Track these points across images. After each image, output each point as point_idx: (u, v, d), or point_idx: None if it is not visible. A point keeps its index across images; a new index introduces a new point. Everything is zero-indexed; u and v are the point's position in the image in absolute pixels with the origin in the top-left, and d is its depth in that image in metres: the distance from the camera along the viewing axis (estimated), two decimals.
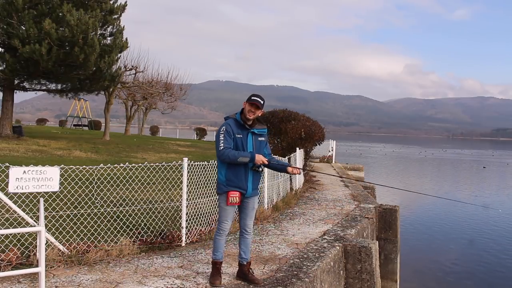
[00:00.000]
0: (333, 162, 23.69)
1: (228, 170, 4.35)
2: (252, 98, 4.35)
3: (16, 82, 21.91)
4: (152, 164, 6.15)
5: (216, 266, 4.50)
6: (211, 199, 6.85)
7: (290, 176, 11.22)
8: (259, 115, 4.42)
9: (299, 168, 4.88)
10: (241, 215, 4.55)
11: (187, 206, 6.07)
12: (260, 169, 4.45)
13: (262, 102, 4.34)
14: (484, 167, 46.07)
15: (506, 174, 40.85)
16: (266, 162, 4.37)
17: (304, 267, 5.09)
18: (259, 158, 4.29)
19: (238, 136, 4.34)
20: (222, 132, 4.32)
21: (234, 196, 4.33)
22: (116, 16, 22.67)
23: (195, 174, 6.49)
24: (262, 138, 4.51)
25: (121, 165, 5.72)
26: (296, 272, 4.87)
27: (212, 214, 6.89)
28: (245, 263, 4.54)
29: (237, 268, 4.66)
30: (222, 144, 4.27)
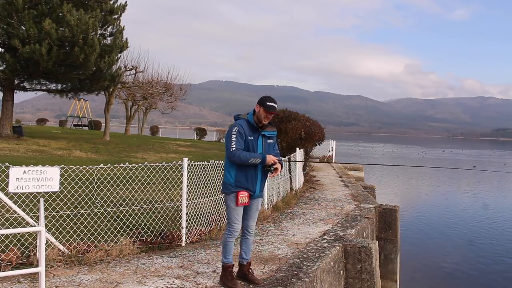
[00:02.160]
0: (333, 162, 23.69)
1: (238, 171, 4.30)
2: (268, 104, 4.24)
3: (16, 82, 21.92)
4: (152, 164, 6.15)
5: (229, 270, 4.42)
6: (211, 199, 6.85)
7: (290, 176, 11.22)
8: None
9: (277, 160, 4.45)
10: (244, 216, 4.50)
11: (187, 206, 6.07)
12: (272, 168, 4.40)
13: (276, 106, 4.31)
14: (474, 167, 46.17)
15: (504, 174, 40.84)
16: (277, 161, 4.34)
17: (304, 267, 5.09)
18: (270, 158, 4.28)
19: (250, 138, 4.29)
20: (234, 132, 4.26)
21: (244, 196, 4.29)
22: (116, 16, 22.68)
23: (195, 174, 6.49)
24: (271, 141, 4.48)
25: (121, 165, 5.72)
26: (296, 272, 4.87)
27: (212, 214, 6.89)
28: (245, 263, 4.53)
29: (236, 268, 4.66)
30: (234, 146, 4.22)
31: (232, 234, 4.38)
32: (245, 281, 4.48)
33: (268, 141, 4.44)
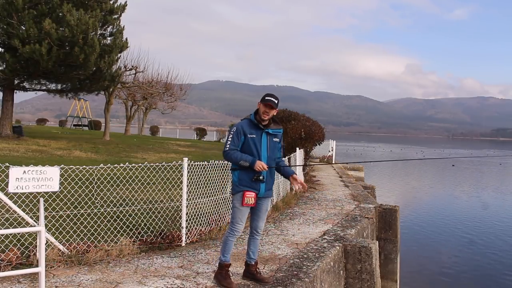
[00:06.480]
0: (333, 162, 23.69)
1: (241, 170, 4.28)
2: (266, 98, 4.27)
3: (16, 82, 21.93)
4: (152, 164, 6.14)
5: (226, 268, 4.41)
6: (211, 199, 6.85)
7: None
8: (274, 114, 4.35)
9: (303, 183, 4.63)
10: (253, 217, 4.46)
11: (187, 206, 6.06)
12: (261, 177, 4.27)
13: (276, 101, 4.27)
14: (453, 165, 45.98)
15: (503, 174, 40.89)
16: (266, 169, 4.26)
17: (304, 267, 5.09)
18: (259, 164, 4.18)
19: (251, 136, 4.26)
20: (232, 132, 4.29)
21: (250, 196, 4.23)
22: (116, 16, 22.69)
23: (195, 174, 6.49)
24: (277, 139, 4.43)
25: (121, 165, 5.71)
26: (296, 272, 4.87)
27: (212, 214, 6.89)
28: (253, 263, 4.53)
29: (241, 268, 4.67)
30: (228, 146, 4.25)
31: (234, 234, 4.36)
32: (252, 281, 4.48)
33: (274, 139, 4.40)
